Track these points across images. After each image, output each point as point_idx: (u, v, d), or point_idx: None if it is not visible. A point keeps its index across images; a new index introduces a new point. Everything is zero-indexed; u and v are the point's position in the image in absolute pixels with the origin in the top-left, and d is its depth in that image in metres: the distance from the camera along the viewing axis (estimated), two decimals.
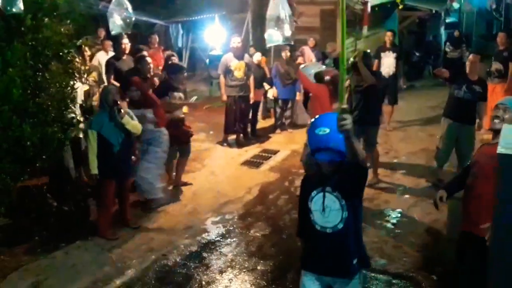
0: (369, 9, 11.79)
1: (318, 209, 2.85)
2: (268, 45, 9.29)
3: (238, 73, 8.37)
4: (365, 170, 2.71)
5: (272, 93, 9.54)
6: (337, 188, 2.78)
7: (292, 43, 8.44)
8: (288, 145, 8.75)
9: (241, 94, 8.45)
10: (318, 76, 6.28)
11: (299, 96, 9.32)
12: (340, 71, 2.56)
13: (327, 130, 2.68)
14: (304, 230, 3.07)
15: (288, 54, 9.32)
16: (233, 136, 8.88)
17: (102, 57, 8.48)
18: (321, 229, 2.86)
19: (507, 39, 8.28)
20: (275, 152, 8.34)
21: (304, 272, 3.07)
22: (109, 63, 7.53)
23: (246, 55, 8.72)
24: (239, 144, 8.75)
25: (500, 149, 2.02)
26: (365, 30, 12.24)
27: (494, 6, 18.74)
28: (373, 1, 12.40)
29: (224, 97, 8.41)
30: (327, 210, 2.80)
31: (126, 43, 7.72)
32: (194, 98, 11.36)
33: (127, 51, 7.59)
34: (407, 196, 6.34)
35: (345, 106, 2.50)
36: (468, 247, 3.49)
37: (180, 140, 6.71)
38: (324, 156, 2.75)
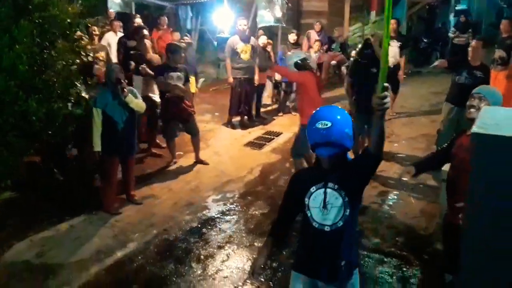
0: None
1: (317, 205, 2.67)
2: (259, 26, 9.30)
3: (244, 56, 8.40)
4: (380, 158, 2.58)
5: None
6: (341, 184, 2.62)
7: (284, 24, 8.42)
8: (291, 127, 8.76)
9: (246, 76, 8.49)
10: (299, 65, 5.98)
11: None
12: (384, 46, 2.31)
13: (329, 124, 2.54)
14: (283, 229, 2.93)
15: (295, 37, 9.31)
16: (238, 118, 8.93)
17: (110, 37, 8.55)
18: (319, 227, 2.66)
19: (510, 26, 8.19)
20: (277, 134, 8.40)
21: (295, 273, 2.89)
22: (120, 42, 7.61)
23: (253, 38, 8.73)
24: (243, 125, 8.81)
25: (474, 129, 2.05)
26: (373, 16, 12.15)
27: None
28: None
29: (230, 79, 8.46)
30: (329, 207, 2.63)
31: (138, 22, 7.77)
32: (202, 80, 11.49)
33: None
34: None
35: (386, 84, 2.34)
36: (451, 235, 3.52)
37: (181, 118, 6.78)
38: (325, 151, 2.59)
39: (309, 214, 2.70)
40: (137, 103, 5.46)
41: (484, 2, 18.00)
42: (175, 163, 7.09)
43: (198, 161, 7.09)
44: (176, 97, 6.64)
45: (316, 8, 12.51)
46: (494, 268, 2.10)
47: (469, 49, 6.36)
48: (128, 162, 5.76)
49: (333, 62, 10.83)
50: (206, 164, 7.08)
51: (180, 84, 6.66)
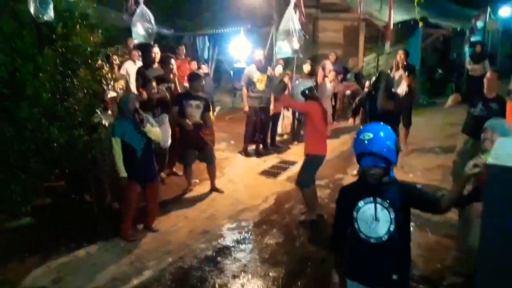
0: (391, 26, 11.80)
1: (366, 219, 2.82)
2: (278, 57, 9.47)
3: (260, 85, 8.51)
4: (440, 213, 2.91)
5: None
6: (389, 201, 2.78)
7: (301, 55, 8.57)
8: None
9: (262, 105, 8.57)
10: (306, 94, 5.95)
11: None
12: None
13: (371, 135, 2.72)
14: (340, 242, 3.09)
15: (309, 68, 9.40)
16: (253, 146, 8.98)
17: (129, 66, 8.73)
18: (365, 238, 2.83)
19: None
20: (292, 163, 8.40)
21: (349, 281, 3.05)
22: (139, 71, 7.75)
23: (269, 68, 8.85)
24: (258, 154, 8.85)
25: (489, 160, 2.08)
26: (387, 46, 12.24)
27: None
28: (396, 18, 12.41)
29: (246, 108, 8.55)
30: (377, 221, 2.79)
31: (156, 52, 7.95)
32: (218, 108, 11.62)
33: (157, 60, 7.79)
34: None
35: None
36: None
37: (197, 146, 6.85)
38: (368, 162, 2.75)
39: (356, 226, 2.88)
40: (155, 132, 5.51)
41: (499, 34, 18.05)
42: (190, 190, 7.12)
43: (214, 189, 7.13)
44: (194, 125, 6.72)
45: (331, 39, 12.68)
46: None
47: (485, 80, 6.32)
48: (149, 190, 5.74)
49: (348, 92, 10.90)
50: (222, 192, 7.11)
51: (198, 112, 6.76)
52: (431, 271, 4.87)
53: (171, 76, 7.44)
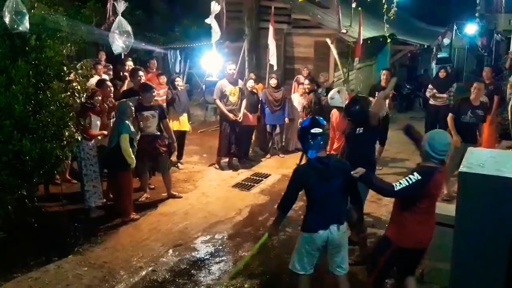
0: (361, 42, 12.11)
1: None
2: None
3: (233, 98, 8.60)
4: None
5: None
6: None
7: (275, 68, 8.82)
8: (278, 169, 8.92)
9: (236, 118, 8.62)
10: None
11: (287, 121, 9.72)
12: None
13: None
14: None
15: (276, 82, 9.56)
16: (226, 159, 9.05)
17: (95, 81, 8.67)
18: None
19: (492, 73, 8.68)
20: (266, 176, 8.51)
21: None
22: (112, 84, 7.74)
23: (240, 81, 8.96)
24: (231, 167, 8.91)
25: (461, 168, 2.22)
26: (356, 62, 12.54)
27: (485, 43, 19.29)
28: (365, 35, 12.75)
29: (231, 116, 8.58)
30: None
31: (130, 65, 7.97)
32: (189, 122, 11.63)
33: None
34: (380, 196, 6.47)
35: None
36: None
37: (151, 156, 6.99)
38: None
39: None
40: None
41: (465, 51, 18.72)
42: (146, 198, 7.29)
43: (170, 196, 7.36)
44: (149, 135, 6.97)
45: (302, 54, 12.88)
46: None
47: (473, 90, 7.14)
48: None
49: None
50: (179, 197, 7.37)
51: (154, 122, 6.99)
52: None
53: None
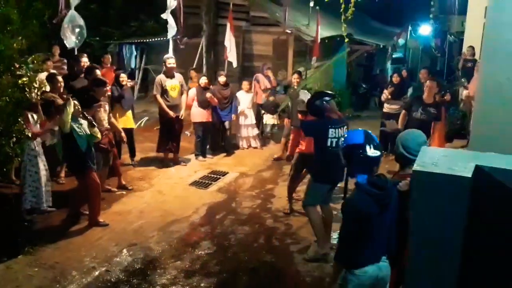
0: (318, 41, 12.29)
1: None
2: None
3: (173, 93, 8.49)
4: None
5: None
6: None
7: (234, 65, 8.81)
8: (236, 167, 8.93)
9: (176, 114, 8.53)
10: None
11: (234, 118, 9.82)
12: None
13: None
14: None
15: (224, 79, 9.57)
16: (199, 155, 9.17)
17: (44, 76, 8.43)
18: None
19: (427, 75, 9.08)
20: (223, 174, 8.51)
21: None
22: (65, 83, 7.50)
23: (179, 75, 8.81)
24: (175, 162, 8.84)
25: (415, 167, 2.29)
26: (314, 61, 12.71)
27: (439, 44, 19.88)
28: (323, 34, 12.94)
29: (171, 113, 8.45)
30: None
31: (85, 61, 7.78)
32: (145, 119, 11.51)
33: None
34: None
35: None
36: None
37: (100, 148, 6.78)
38: None
39: None
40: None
41: (419, 51, 19.21)
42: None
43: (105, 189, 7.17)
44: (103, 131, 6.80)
45: (261, 52, 12.96)
46: None
47: (425, 88, 7.45)
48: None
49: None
50: (114, 191, 7.35)
51: (106, 116, 6.90)
52: None
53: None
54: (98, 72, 7.57)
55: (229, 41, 11.04)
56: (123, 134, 7.43)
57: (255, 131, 10.39)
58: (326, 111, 5.40)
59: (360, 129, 3.47)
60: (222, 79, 9.56)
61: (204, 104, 9.10)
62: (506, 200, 2.28)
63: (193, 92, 9.23)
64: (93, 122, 6.15)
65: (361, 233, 3.19)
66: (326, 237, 5.63)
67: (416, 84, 9.65)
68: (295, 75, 9.38)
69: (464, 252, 2.32)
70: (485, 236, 2.35)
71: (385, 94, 9.55)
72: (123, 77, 8.47)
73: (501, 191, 2.28)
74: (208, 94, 8.96)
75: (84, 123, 6.00)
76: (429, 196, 2.30)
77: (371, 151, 3.26)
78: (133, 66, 15.42)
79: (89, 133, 5.98)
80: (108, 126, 6.94)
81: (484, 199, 2.32)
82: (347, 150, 3.37)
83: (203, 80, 9.24)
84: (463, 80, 11.23)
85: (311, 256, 5.52)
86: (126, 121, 8.28)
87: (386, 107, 9.61)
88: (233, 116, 9.74)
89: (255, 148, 10.25)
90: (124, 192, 7.42)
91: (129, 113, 8.44)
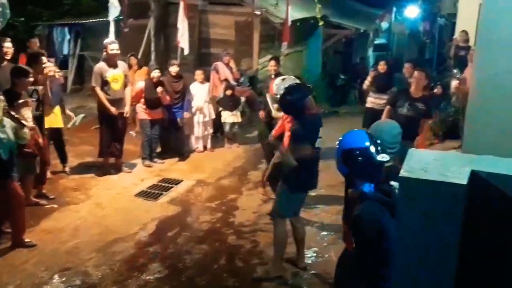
0: (289, 24, 12.34)
1: None
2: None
3: (116, 85, 8.39)
4: None
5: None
6: None
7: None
8: (192, 174, 8.90)
9: (120, 110, 8.45)
10: None
11: (187, 115, 9.75)
12: None
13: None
14: None
15: (176, 69, 9.53)
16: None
17: None
18: None
19: (413, 69, 8.91)
20: (177, 182, 8.47)
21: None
22: None
23: (123, 64, 8.72)
24: (118, 169, 8.79)
25: (402, 173, 2.32)
26: (284, 48, 12.75)
27: (427, 28, 20.22)
28: (294, 16, 12.99)
29: (113, 110, 8.33)
30: None
31: (8, 47, 7.60)
32: (81, 116, 11.31)
33: (8, 57, 7.46)
34: (324, 233, 6.67)
35: None
36: None
37: (24, 154, 6.62)
38: None
39: None
40: None
41: (405, 37, 19.51)
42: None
43: (32, 203, 7.11)
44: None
45: (221, 36, 12.92)
46: None
47: (412, 80, 7.36)
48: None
49: (242, 98, 11.18)
50: (43, 205, 7.26)
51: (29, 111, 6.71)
52: None
53: (40, 77, 7.21)
54: (44, 59, 7.50)
55: (182, 23, 10.98)
56: (41, 140, 7.20)
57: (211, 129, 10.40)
58: (307, 109, 5.44)
59: (359, 129, 3.45)
60: (173, 69, 9.51)
61: (153, 103, 9.07)
62: (506, 210, 2.33)
63: (140, 86, 9.13)
64: (22, 122, 6.03)
65: (379, 256, 3.06)
66: (288, 259, 5.76)
67: (401, 76, 9.76)
68: (272, 62, 9.37)
69: (459, 274, 2.36)
70: (481, 252, 2.39)
71: (367, 81, 9.59)
72: (49, 65, 8.28)
73: (500, 200, 2.32)
74: (159, 89, 8.90)
75: (8, 124, 5.85)
76: (418, 207, 2.33)
77: (380, 156, 3.18)
78: (66, 52, 15.19)
79: (13, 138, 5.84)
80: (34, 125, 6.75)
81: (481, 209, 2.37)
82: (348, 155, 3.24)
83: (155, 74, 9.13)
84: (455, 71, 11.46)
85: (258, 276, 5.64)
86: (53, 119, 8.12)
87: (370, 102, 9.56)
88: (186, 114, 9.69)
89: (213, 150, 10.25)
90: (55, 206, 7.30)
91: (57, 109, 8.26)
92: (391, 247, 2.93)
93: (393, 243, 2.87)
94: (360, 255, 3.19)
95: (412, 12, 18.62)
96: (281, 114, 6.28)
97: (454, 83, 10.58)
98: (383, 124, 3.73)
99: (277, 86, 6.30)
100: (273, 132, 6.61)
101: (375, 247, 3.05)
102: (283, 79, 6.41)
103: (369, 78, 9.62)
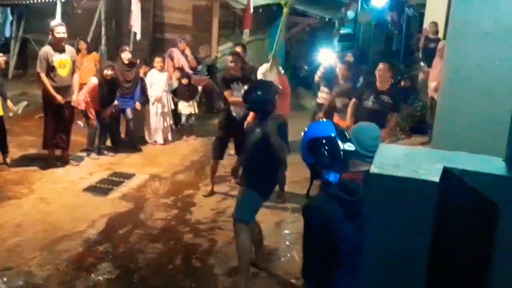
0: (251, 10, 12.34)
1: None
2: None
3: (63, 71, 8.27)
4: None
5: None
6: None
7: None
8: (145, 168, 8.87)
9: (66, 99, 8.34)
10: None
11: (138, 106, 9.69)
12: None
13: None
14: None
15: (128, 56, 9.46)
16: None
17: None
18: None
19: (347, 71, 8.79)
20: (129, 176, 8.42)
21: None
22: None
23: (71, 48, 8.59)
24: (64, 162, 8.69)
25: (372, 169, 2.35)
26: (246, 35, 12.76)
27: (395, 18, 20.50)
28: (257, 1, 13.01)
29: (59, 98, 8.17)
30: None
31: None
32: (23, 104, 11.11)
33: None
34: (287, 231, 6.72)
35: None
36: None
37: None
38: None
39: None
40: None
41: (371, 27, 19.75)
42: None
43: None
44: None
45: (177, 21, 12.86)
46: None
47: (376, 72, 7.43)
48: None
49: (199, 88, 11.17)
50: None
51: None
52: None
53: None
54: None
55: (136, 6, 10.90)
56: None
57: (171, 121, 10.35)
58: (274, 106, 5.52)
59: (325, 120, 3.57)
60: (125, 55, 9.44)
61: (106, 102, 9.06)
62: (479, 209, 2.38)
63: (93, 83, 8.97)
64: None
65: (334, 262, 3.16)
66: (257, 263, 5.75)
67: (367, 68, 9.87)
68: (239, 48, 9.37)
69: (429, 273, 2.41)
70: (454, 251, 2.45)
71: (319, 71, 9.91)
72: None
73: (473, 198, 2.38)
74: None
75: None
76: (389, 205, 2.36)
77: (346, 145, 3.28)
78: (7, 35, 14.91)
79: None
80: None
81: (454, 207, 2.42)
82: (314, 144, 3.31)
83: (109, 72, 8.98)
84: (422, 64, 11.68)
85: None
86: None
87: (322, 98, 9.60)
88: (137, 104, 9.62)
89: (169, 143, 10.21)
90: None
91: None
92: (345, 248, 3.09)
93: (348, 243, 3.07)
94: (304, 248, 3.29)
95: (379, 1, 18.77)
96: None
97: (420, 76, 10.82)
98: (364, 127, 3.76)
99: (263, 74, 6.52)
100: (249, 118, 6.84)
101: (318, 246, 3.20)
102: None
103: (321, 69, 9.80)
